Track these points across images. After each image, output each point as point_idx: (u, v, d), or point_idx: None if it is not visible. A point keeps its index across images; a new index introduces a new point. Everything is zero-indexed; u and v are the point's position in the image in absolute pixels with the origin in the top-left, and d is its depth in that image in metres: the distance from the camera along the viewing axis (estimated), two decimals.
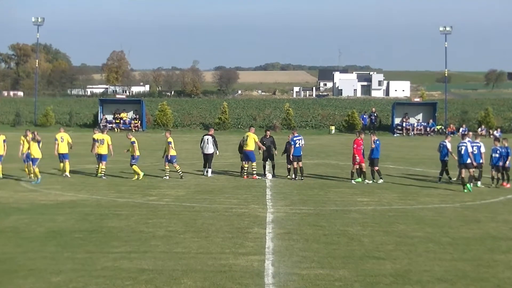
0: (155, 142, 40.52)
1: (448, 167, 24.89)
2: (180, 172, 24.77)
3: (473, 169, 22.11)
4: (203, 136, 26.50)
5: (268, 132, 26.35)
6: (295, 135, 24.99)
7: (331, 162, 31.84)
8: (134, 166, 24.37)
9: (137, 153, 24.60)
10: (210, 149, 25.85)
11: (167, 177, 24.57)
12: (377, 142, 24.10)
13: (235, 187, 22.12)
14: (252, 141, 24.92)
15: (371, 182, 23.55)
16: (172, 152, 24.74)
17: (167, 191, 21.26)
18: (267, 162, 26.14)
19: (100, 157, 25.23)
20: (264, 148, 25.16)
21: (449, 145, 24.63)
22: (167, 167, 24.78)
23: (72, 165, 27.68)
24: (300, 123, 62.22)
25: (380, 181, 23.69)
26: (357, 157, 23.53)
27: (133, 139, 24.80)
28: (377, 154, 24.05)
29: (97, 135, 25.66)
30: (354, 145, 23.69)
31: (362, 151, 23.78)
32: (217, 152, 26.19)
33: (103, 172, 24.86)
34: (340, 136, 54.83)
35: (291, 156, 24.44)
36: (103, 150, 25.40)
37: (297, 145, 24.56)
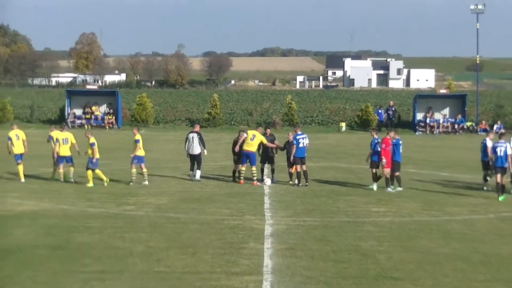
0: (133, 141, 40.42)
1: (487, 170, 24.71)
2: (146, 176, 24.92)
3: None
4: (188, 134, 26.72)
5: (268, 130, 26.61)
6: (298, 133, 25.14)
7: (341, 165, 32.08)
8: (97, 171, 24.54)
9: (97, 155, 24.81)
10: (196, 148, 26.13)
11: (147, 182, 24.78)
12: (398, 141, 24.24)
13: (228, 195, 22.22)
14: (258, 142, 25.33)
15: (391, 189, 23.72)
16: (140, 153, 24.95)
17: (147, 199, 21.37)
18: (265, 165, 26.35)
19: (64, 160, 25.56)
20: (278, 146, 25.53)
21: (489, 144, 24.45)
22: (134, 170, 24.92)
23: (33, 168, 27.77)
24: (304, 119, 62.19)
25: (399, 189, 23.86)
26: (384, 160, 23.64)
27: (92, 140, 24.92)
28: (399, 157, 24.17)
29: (58, 133, 25.95)
30: (383, 144, 23.75)
31: (391, 153, 23.94)
32: (205, 151, 26.47)
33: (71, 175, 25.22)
34: (352, 135, 54.97)
35: (291, 158, 24.59)
36: (67, 151, 25.65)
37: (300, 145, 24.67)
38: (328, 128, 59.78)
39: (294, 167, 24.93)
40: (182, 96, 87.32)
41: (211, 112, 60.42)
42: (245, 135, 25.46)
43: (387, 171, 23.68)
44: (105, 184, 24.23)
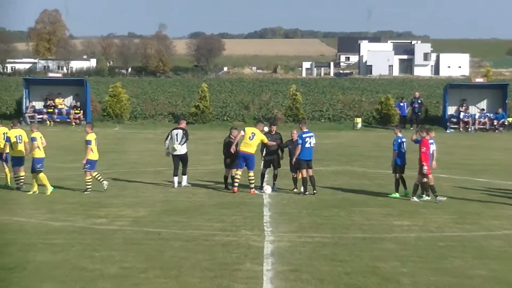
0: (105, 140, 40.43)
1: None
2: (89, 184, 24.89)
3: None
4: (171, 131, 26.81)
5: (273, 127, 26.67)
6: (304, 130, 25.13)
7: (356, 169, 32.21)
8: (41, 175, 24.58)
9: (39, 154, 24.83)
10: (183, 148, 26.19)
11: (105, 186, 24.91)
12: (431, 142, 24.27)
13: (219, 205, 22.18)
14: (258, 142, 25.37)
15: (427, 198, 23.67)
16: (93, 156, 24.94)
17: (122, 210, 21.28)
18: (267, 169, 26.42)
19: (19, 161, 25.68)
20: (274, 144, 25.60)
21: None
22: (89, 177, 24.95)
23: None
24: (312, 114, 62.20)
25: (426, 198, 23.80)
26: (425, 167, 23.49)
27: (35, 134, 24.99)
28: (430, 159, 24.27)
29: (11, 131, 26.05)
30: (423, 148, 23.82)
31: (431, 156, 24.05)
32: (178, 146, 26.31)
33: (22, 181, 25.28)
34: (369, 132, 55.36)
35: (294, 160, 24.68)
36: (21, 151, 25.84)
37: (306, 145, 24.68)
38: (340, 125, 59.66)
39: (299, 172, 24.92)
40: (164, 86, 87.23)
41: (199, 105, 60.09)
42: (242, 133, 25.48)
43: (430, 178, 23.65)
44: (48, 192, 24.30)
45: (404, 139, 24.73)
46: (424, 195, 23.85)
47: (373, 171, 31.08)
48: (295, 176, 25.41)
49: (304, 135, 24.80)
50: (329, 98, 72.71)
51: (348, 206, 22.29)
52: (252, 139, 25.00)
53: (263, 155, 25.96)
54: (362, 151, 40.95)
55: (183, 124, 26.80)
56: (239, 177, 25.14)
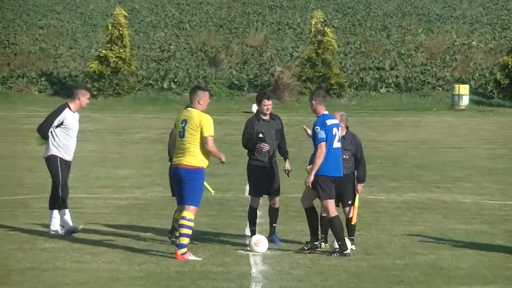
0: None
1: None
2: None
3: None
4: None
5: (267, 103, 17.34)
6: (324, 113, 16.39)
7: (457, 198, 22.78)
8: None
9: None
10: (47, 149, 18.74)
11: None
12: None
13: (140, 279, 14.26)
14: (199, 138, 16.20)
15: None
16: None
17: None
18: (258, 200, 17.72)
19: None
20: (266, 147, 17.21)
21: None
22: None
23: None
24: (358, 76, 48.65)
25: None
26: None
27: None
28: None
29: None
30: None
31: None
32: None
33: None
34: (484, 117, 42.56)
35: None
36: None
37: (335, 143, 16.49)
38: (422, 100, 46.63)
39: (325, 207, 15.98)
40: (27, 19, 62.86)
41: (106, 55, 46.12)
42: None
43: None
44: None
45: None
46: None
47: (499, 203, 21.63)
48: (322, 214, 16.38)
49: (327, 122, 15.98)
50: (397, 39, 55.02)
51: (435, 279, 13.50)
52: (183, 136, 15.85)
53: (252, 168, 17.00)
54: (469, 157, 30.75)
55: (82, 98, 18.21)
56: (188, 222, 16.00)
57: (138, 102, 46.26)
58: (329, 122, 15.71)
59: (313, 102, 16.04)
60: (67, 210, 17.07)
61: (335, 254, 15.56)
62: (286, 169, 16.53)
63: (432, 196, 23.66)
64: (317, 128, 15.76)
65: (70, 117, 17.65)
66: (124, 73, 46.60)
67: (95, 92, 45.15)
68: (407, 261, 14.66)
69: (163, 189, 21.37)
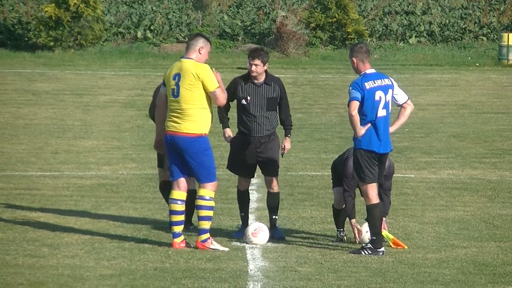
0: None
1: None
2: None
3: None
4: None
5: (252, 63, 16.69)
6: (367, 72, 15.78)
7: (505, 177, 22.83)
8: None
9: None
10: None
11: None
12: None
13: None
14: (199, 95, 15.94)
15: None
16: None
17: None
18: (248, 177, 17.45)
19: None
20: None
21: None
22: None
23: None
24: (383, 24, 47.26)
25: None
26: None
27: None
28: None
29: None
30: None
31: None
32: None
33: None
34: None
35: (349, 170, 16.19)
36: None
37: (380, 112, 16.07)
38: (461, 53, 45.83)
39: (368, 190, 15.36)
40: None
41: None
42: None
43: None
44: None
45: None
46: None
47: None
48: (353, 223, 16.25)
49: (367, 84, 15.46)
50: None
51: None
52: (177, 95, 15.60)
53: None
54: None
55: None
56: (179, 207, 15.95)
57: (105, 56, 45.06)
58: (369, 84, 15.34)
59: (354, 59, 15.37)
60: None
61: (366, 252, 14.98)
62: (282, 147, 15.81)
63: (474, 174, 23.18)
64: (350, 89, 15.34)
65: None
66: (88, 19, 44.71)
67: (52, 44, 43.07)
68: (442, 255, 14.57)
69: (137, 165, 20.89)
